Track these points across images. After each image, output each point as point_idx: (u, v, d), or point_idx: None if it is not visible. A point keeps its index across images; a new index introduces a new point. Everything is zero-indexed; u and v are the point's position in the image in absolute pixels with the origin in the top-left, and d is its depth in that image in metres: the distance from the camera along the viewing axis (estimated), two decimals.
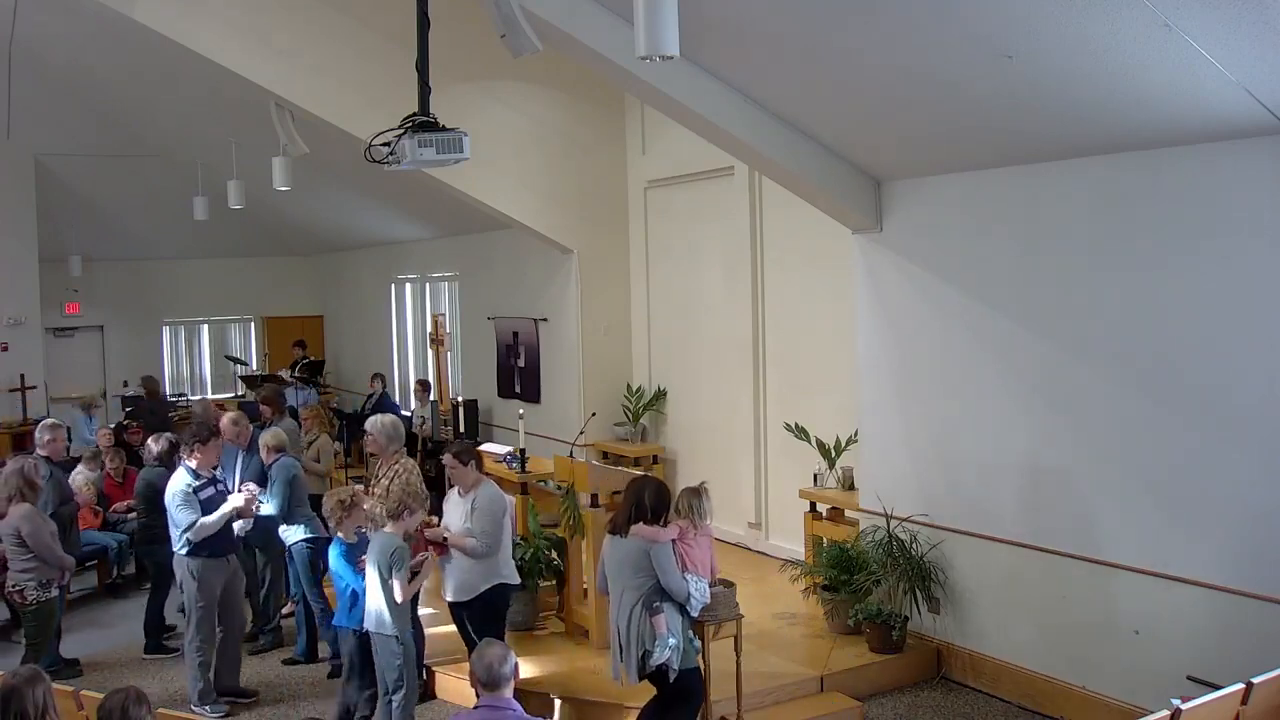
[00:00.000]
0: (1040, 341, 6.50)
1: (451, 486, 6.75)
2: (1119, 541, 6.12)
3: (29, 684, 3.89)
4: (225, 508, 6.97)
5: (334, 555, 6.24)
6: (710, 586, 5.73)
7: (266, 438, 7.81)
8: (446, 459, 6.58)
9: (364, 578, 6.03)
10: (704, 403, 10.58)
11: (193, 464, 6.93)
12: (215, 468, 7.19)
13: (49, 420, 8.49)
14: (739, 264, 9.85)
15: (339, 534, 6.23)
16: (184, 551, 6.84)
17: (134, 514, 8.87)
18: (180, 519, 6.80)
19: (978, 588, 7.00)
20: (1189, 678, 5.54)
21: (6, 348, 15.08)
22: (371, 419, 7.26)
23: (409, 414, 14.27)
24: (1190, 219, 5.67)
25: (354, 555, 6.16)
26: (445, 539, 6.40)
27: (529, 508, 8.17)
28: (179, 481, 6.88)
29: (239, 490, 7.28)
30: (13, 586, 6.93)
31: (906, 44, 5.62)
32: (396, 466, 6.94)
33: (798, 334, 9.35)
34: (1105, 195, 6.09)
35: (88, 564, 9.32)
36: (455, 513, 6.46)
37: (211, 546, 6.90)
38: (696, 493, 5.88)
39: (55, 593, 7.04)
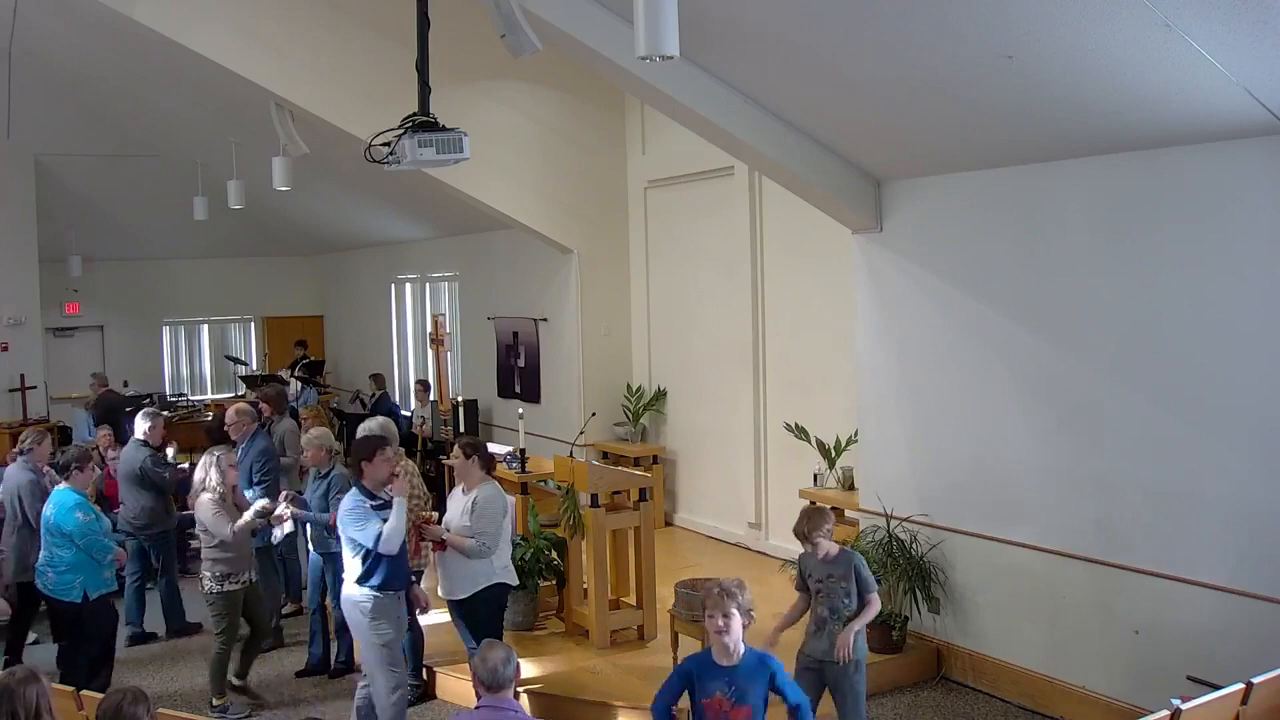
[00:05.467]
0: (1040, 341, 6.50)
1: (454, 485, 6.75)
2: (1119, 541, 6.12)
3: (22, 684, 3.83)
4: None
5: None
6: None
7: (320, 439, 7.55)
8: (454, 450, 6.57)
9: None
10: (704, 403, 10.58)
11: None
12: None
13: (150, 409, 8.86)
14: (739, 264, 9.85)
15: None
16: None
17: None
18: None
19: (978, 588, 7.00)
20: (1189, 678, 5.54)
21: (6, 348, 15.08)
22: (361, 429, 7.07)
23: (409, 414, 14.28)
24: (1190, 219, 5.67)
25: None
26: (444, 537, 6.41)
27: (529, 508, 8.18)
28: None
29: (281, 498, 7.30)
30: (199, 575, 7.05)
31: (907, 44, 5.62)
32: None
33: (798, 334, 9.35)
34: (1105, 195, 6.09)
35: None
36: (455, 510, 6.46)
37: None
38: None
39: (236, 586, 6.94)
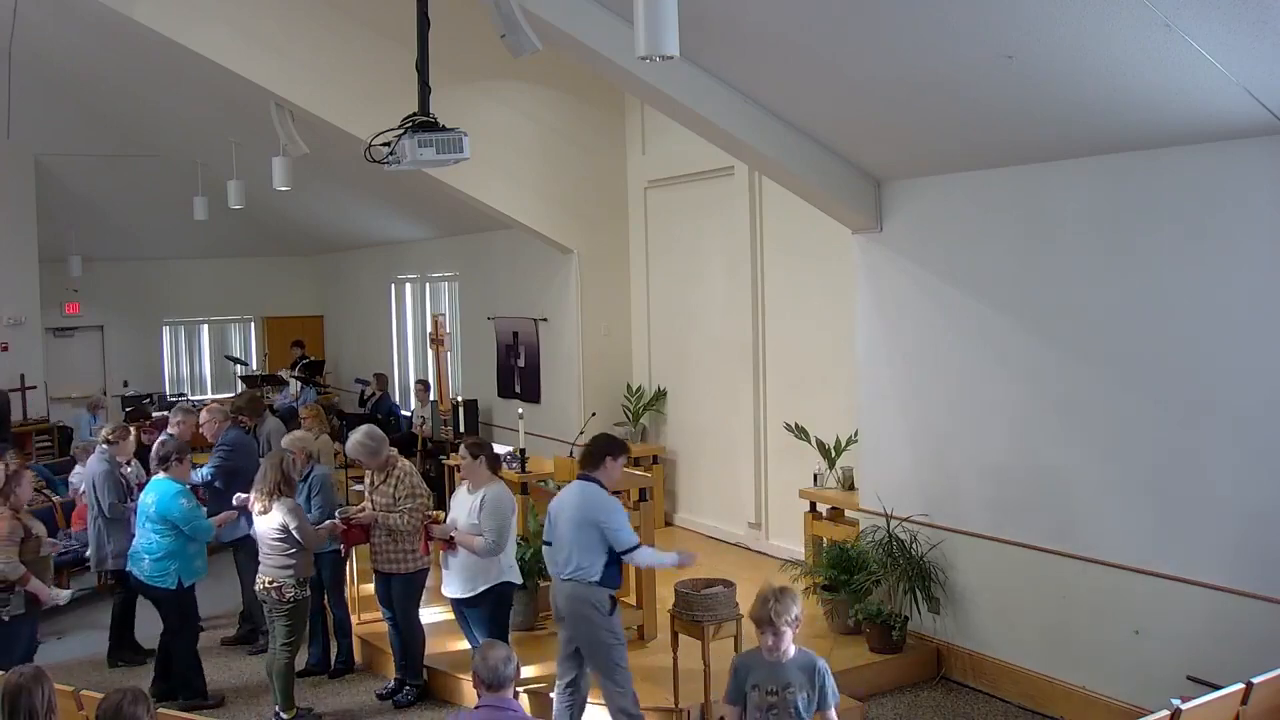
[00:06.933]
0: (1040, 341, 6.50)
1: (458, 485, 6.75)
2: (1119, 541, 6.12)
3: (35, 682, 3.92)
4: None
5: None
6: None
7: (300, 441, 7.52)
8: (461, 450, 6.57)
9: None
10: (704, 403, 10.58)
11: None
12: None
13: (183, 404, 9.02)
14: (739, 264, 9.85)
15: None
16: None
17: None
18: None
19: (978, 588, 7.00)
20: (1189, 678, 5.54)
21: (6, 348, 15.09)
22: (348, 444, 6.97)
23: (409, 414, 14.29)
24: (1190, 219, 5.67)
25: None
26: (452, 536, 6.42)
27: (529, 508, 8.17)
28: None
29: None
30: (270, 582, 6.60)
31: (907, 44, 5.62)
32: (396, 471, 6.91)
33: (798, 334, 9.36)
34: (1105, 195, 6.09)
35: (87, 564, 9.30)
36: (462, 509, 6.46)
37: None
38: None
39: (309, 592, 6.82)
